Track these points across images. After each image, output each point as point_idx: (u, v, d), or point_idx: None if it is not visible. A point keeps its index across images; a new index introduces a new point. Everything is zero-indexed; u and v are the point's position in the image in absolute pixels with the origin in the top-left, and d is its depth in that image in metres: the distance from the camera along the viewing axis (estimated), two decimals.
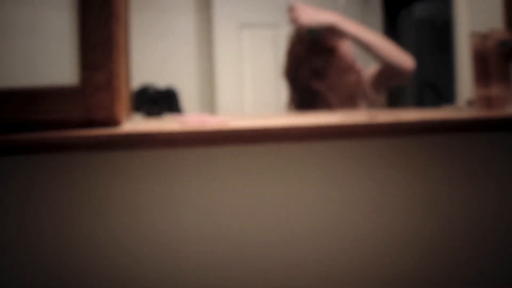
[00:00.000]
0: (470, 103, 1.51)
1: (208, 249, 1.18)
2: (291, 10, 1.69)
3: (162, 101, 1.72)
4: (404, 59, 1.67)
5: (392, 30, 3.08)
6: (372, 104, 1.75)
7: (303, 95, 1.76)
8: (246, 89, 2.42)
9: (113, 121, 0.99)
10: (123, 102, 1.03)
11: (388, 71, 1.70)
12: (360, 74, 1.76)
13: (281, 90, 1.88)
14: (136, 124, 1.14)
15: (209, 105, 2.50)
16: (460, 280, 1.32)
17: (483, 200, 1.33)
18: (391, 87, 1.84)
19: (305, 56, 1.74)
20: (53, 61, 1.07)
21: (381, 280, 1.27)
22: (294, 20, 1.69)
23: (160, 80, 1.79)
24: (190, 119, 1.08)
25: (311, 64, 1.72)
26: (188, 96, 1.94)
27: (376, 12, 2.86)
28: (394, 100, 2.88)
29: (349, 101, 1.75)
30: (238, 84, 2.51)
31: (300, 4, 1.71)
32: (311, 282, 1.23)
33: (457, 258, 1.32)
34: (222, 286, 1.19)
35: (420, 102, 3.06)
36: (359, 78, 1.76)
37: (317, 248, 1.24)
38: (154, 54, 2.29)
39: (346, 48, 1.74)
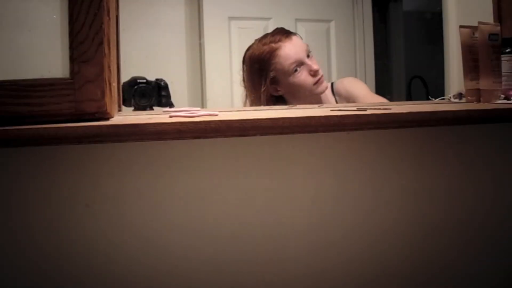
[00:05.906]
0: (460, 95, 1.52)
1: (197, 241, 1.18)
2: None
3: (151, 93, 1.71)
4: None
5: (381, 23, 3.09)
6: None
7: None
8: (235, 81, 2.42)
9: (103, 114, 0.99)
10: (113, 94, 1.03)
11: None
12: None
13: None
14: (126, 116, 1.14)
15: (198, 97, 2.50)
16: (455, 272, 1.33)
17: (476, 190, 1.34)
18: None
19: None
20: (43, 54, 1.06)
21: (374, 274, 1.28)
22: None
23: (149, 73, 1.79)
24: (179, 111, 1.08)
25: None
26: (177, 88, 1.94)
27: (365, 5, 2.87)
28: (382, 93, 2.89)
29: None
30: (227, 76, 2.52)
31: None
32: (301, 274, 1.24)
33: (451, 249, 1.33)
34: (212, 279, 1.19)
35: (409, 94, 3.07)
36: None
37: (308, 240, 1.24)
38: (143, 47, 2.29)
39: None
